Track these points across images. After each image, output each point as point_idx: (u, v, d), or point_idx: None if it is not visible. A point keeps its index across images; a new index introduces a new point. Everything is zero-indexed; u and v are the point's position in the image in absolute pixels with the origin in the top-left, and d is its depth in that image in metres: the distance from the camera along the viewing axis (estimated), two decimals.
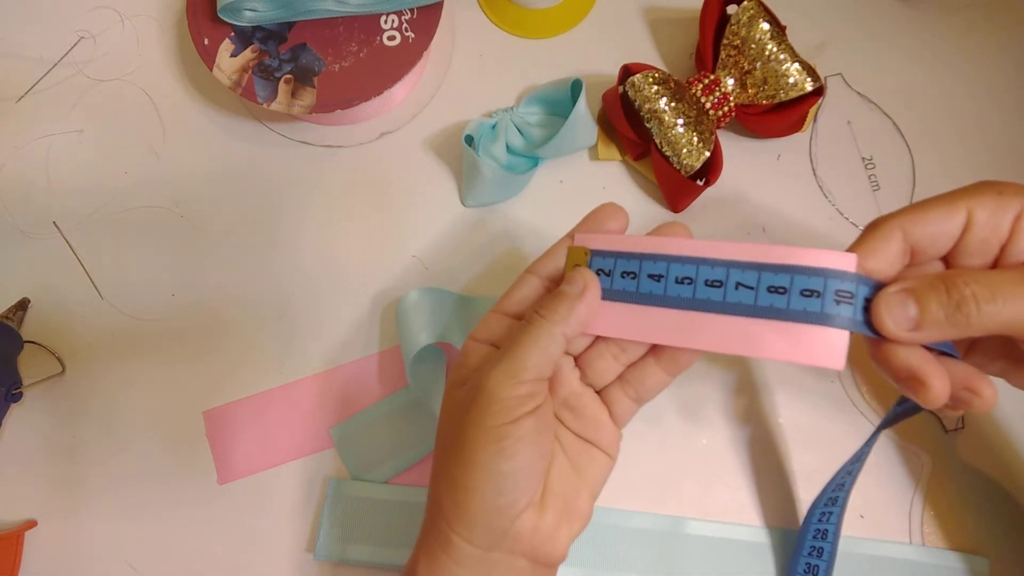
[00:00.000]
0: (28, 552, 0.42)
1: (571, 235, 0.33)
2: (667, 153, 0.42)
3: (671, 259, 0.29)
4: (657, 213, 0.46)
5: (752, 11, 0.42)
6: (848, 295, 0.26)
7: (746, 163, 0.46)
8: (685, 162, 0.42)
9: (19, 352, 0.44)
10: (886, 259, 0.28)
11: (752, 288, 0.27)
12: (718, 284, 0.28)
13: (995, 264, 0.28)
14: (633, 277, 0.30)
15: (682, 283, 0.29)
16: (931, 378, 0.26)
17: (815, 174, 0.46)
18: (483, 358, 0.31)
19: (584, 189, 0.46)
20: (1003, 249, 0.27)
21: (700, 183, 0.42)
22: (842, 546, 0.40)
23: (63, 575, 0.42)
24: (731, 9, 0.44)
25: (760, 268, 0.27)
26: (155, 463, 0.43)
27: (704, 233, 0.45)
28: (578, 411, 0.32)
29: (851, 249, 0.28)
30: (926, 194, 0.45)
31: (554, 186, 0.47)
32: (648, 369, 0.32)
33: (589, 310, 0.30)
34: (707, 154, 0.42)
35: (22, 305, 0.45)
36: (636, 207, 0.46)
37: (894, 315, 0.26)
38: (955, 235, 0.28)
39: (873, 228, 0.28)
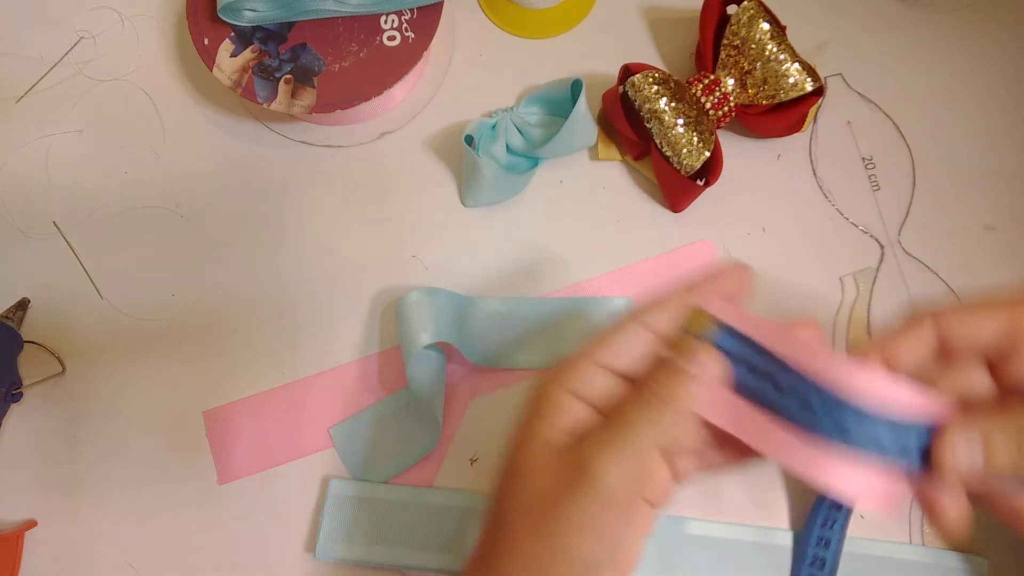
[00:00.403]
0: (28, 552, 0.42)
1: (688, 289, 0.29)
2: (667, 153, 0.42)
3: (810, 384, 0.26)
4: (657, 213, 0.46)
5: (752, 11, 0.42)
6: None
7: (746, 163, 0.46)
8: (685, 162, 0.42)
9: (19, 352, 0.44)
10: (914, 350, 0.28)
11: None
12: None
13: None
14: (767, 379, 0.27)
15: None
16: (949, 508, 0.26)
17: (815, 174, 0.46)
18: (582, 422, 0.28)
19: (584, 189, 0.46)
20: None
21: (700, 183, 0.42)
22: (843, 546, 0.40)
23: (63, 575, 0.42)
24: (731, 9, 0.44)
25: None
26: (155, 463, 0.43)
27: (705, 233, 0.45)
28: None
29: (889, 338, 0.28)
30: (927, 194, 0.45)
31: (554, 186, 0.47)
32: (725, 456, 0.29)
33: (708, 394, 0.27)
34: (707, 154, 0.42)
35: (22, 305, 0.45)
36: (636, 207, 0.46)
37: (962, 458, 0.25)
38: (997, 342, 0.27)
39: (913, 323, 0.28)
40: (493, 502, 0.29)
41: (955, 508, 0.26)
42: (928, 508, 0.27)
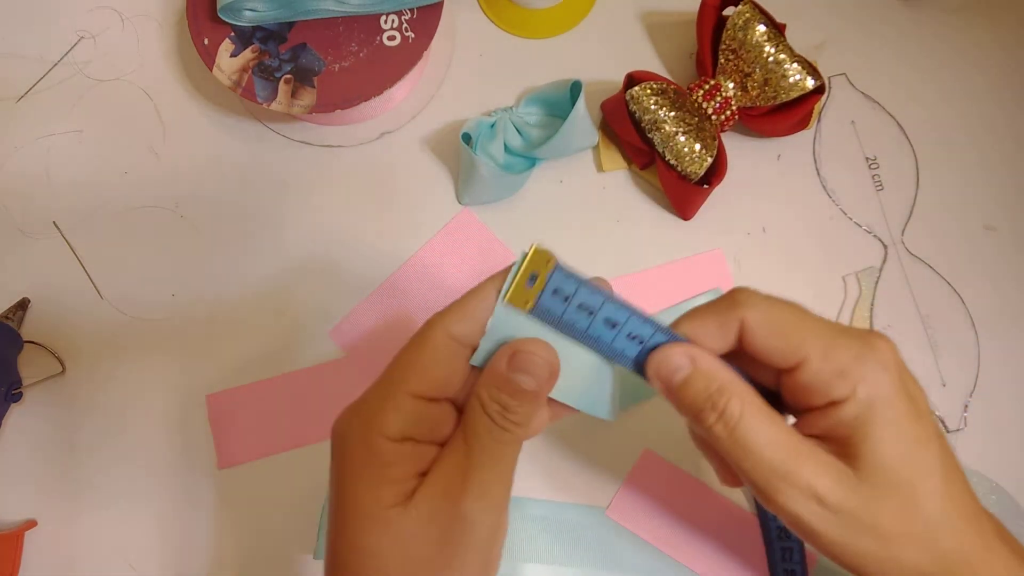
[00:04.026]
0: (28, 552, 0.42)
1: (497, 279, 0.26)
2: (671, 162, 0.42)
3: (633, 311, 0.26)
4: (658, 214, 0.46)
5: (748, 14, 0.42)
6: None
7: (749, 163, 0.46)
8: (689, 169, 0.42)
9: (19, 352, 0.44)
10: (716, 336, 0.27)
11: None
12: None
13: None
14: (589, 315, 0.26)
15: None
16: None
17: (819, 174, 0.46)
18: (416, 461, 0.25)
19: (583, 189, 0.46)
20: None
21: (704, 186, 0.42)
22: None
23: (63, 575, 0.42)
24: (729, 11, 0.43)
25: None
26: (155, 463, 0.43)
27: (707, 233, 0.45)
28: None
29: (698, 310, 0.28)
30: (929, 194, 0.45)
31: (554, 186, 0.46)
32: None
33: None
34: (710, 160, 0.42)
35: (22, 305, 0.45)
36: (636, 208, 0.46)
37: (665, 365, 0.26)
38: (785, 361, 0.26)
39: (729, 303, 0.27)
40: None
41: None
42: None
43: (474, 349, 0.26)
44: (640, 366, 0.27)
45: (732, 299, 0.27)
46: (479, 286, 0.26)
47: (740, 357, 0.27)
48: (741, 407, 0.25)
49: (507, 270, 0.26)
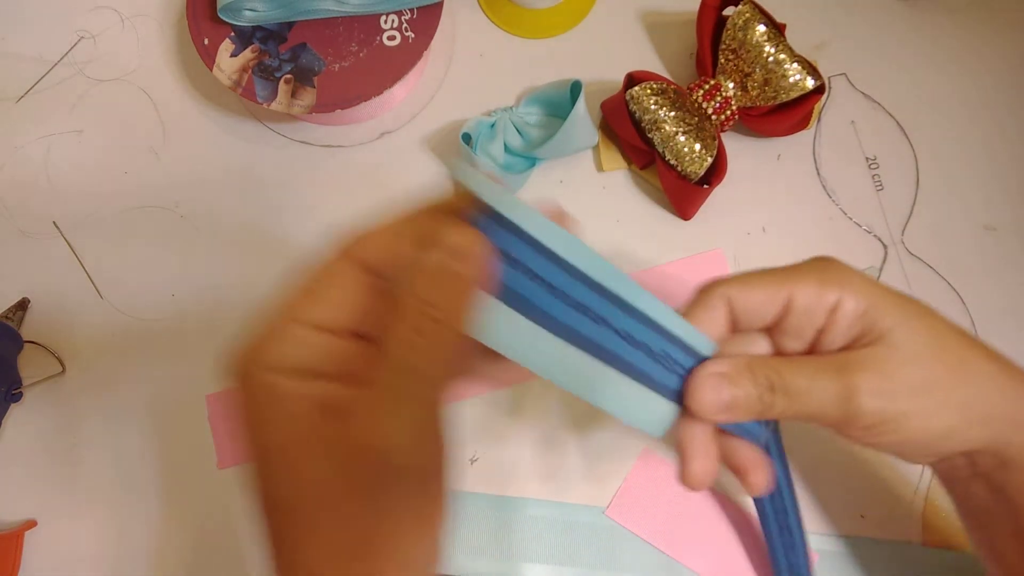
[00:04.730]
0: (28, 552, 0.42)
1: (423, 207, 0.23)
2: (671, 162, 0.42)
3: (613, 297, 0.23)
4: (658, 214, 0.46)
5: (747, 15, 0.42)
6: (681, 368, 0.26)
7: (749, 162, 0.46)
8: (689, 169, 0.42)
9: (19, 352, 0.44)
10: (712, 327, 0.28)
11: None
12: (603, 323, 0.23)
13: (812, 348, 0.28)
14: (537, 279, 0.22)
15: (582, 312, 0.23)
16: (693, 459, 0.27)
17: (819, 174, 0.46)
18: (316, 400, 0.20)
19: (583, 189, 0.46)
20: (819, 335, 0.28)
21: (704, 186, 0.42)
22: (842, 546, 0.40)
23: (63, 575, 0.42)
24: (729, 11, 0.43)
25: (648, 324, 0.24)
26: (155, 463, 0.43)
27: (706, 232, 0.45)
28: None
29: (684, 314, 0.28)
30: (929, 194, 0.45)
31: (554, 186, 0.46)
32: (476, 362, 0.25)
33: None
34: (710, 160, 0.42)
35: (22, 305, 0.45)
36: (636, 207, 0.46)
37: (709, 398, 0.25)
38: (776, 314, 0.28)
39: (703, 294, 0.28)
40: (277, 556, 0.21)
41: (702, 457, 0.26)
42: (681, 459, 0.27)
43: (381, 275, 0.22)
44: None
45: (708, 292, 0.28)
46: (393, 216, 0.23)
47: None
48: (785, 376, 0.27)
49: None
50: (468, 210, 0.22)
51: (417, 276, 0.20)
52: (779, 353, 0.29)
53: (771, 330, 0.29)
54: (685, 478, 0.27)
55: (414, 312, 0.20)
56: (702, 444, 0.27)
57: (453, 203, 0.22)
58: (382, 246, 0.22)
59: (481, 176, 0.22)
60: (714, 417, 0.26)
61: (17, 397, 0.44)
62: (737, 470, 0.29)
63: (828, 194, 0.46)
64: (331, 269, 0.22)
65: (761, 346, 0.30)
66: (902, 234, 0.45)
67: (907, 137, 0.46)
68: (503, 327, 0.22)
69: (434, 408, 0.20)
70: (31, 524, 0.43)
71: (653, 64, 0.48)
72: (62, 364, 0.45)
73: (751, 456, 0.28)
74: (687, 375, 0.26)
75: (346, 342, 0.22)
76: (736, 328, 0.29)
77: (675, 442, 0.27)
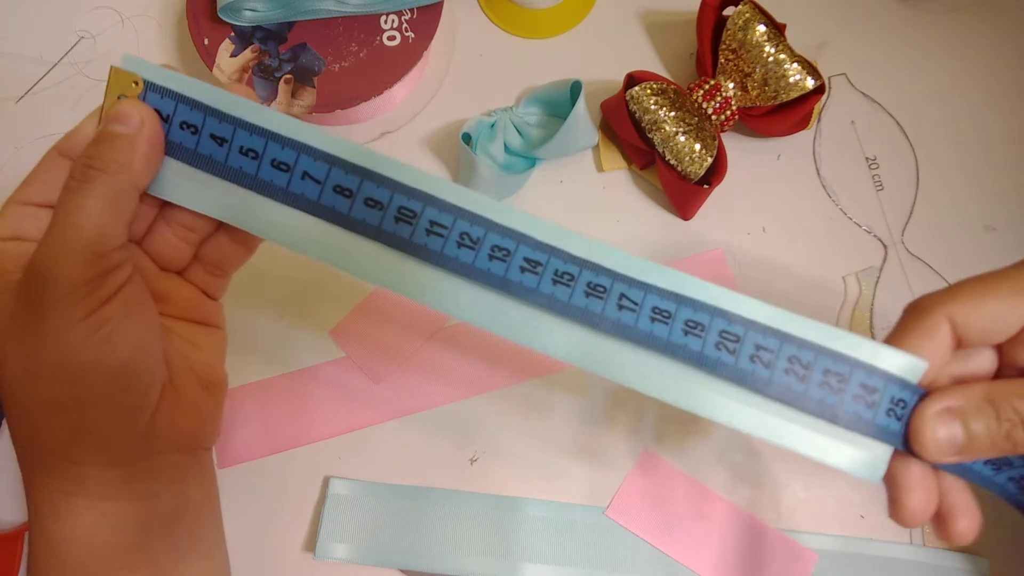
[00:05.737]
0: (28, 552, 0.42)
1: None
2: (671, 162, 0.42)
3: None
4: (658, 214, 0.46)
5: (748, 14, 0.42)
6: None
7: (749, 162, 0.46)
8: (689, 169, 0.42)
9: None
10: (935, 354, 0.24)
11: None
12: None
13: None
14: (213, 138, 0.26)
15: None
16: (910, 492, 0.24)
17: (819, 174, 0.46)
18: (20, 256, 0.26)
19: (583, 189, 0.46)
20: None
21: (704, 186, 0.42)
22: (842, 546, 0.40)
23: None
24: (729, 11, 0.43)
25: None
26: None
27: (705, 232, 0.45)
28: (169, 298, 0.30)
29: (892, 340, 0.25)
30: (929, 194, 0.45)
31: (554, 186, 0.46)
32: (223, 245, 0.30)
33: (154, 150, 0.26)
34: (710, 160, 0.42)
35: None
36: (636, 207, 0.46)
37: (939, 439, 0.23)
38: (1018, 327, 0.23)
39: (917, 315, 0.24)
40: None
41: (920, 491, 0.24)
42: (893, 491, 0.24)
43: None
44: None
45: (923, 312, 0.24)
46: (91, 115, 0.28)
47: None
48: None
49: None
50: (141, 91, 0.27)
51: (91, 145, 0.26)
52: (1011, 369, 0.25)
53: (1003, 347, 0.25)
54: (898, 514, 0.24)
55: (76, 165, 0.25)
56: (920, 477, 0.24)
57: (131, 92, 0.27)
58: (77, 135, 0.27)
59: (149, 64, 0.26)
60: (944, 460, 0.23)
61: None
62: (939, 512, 0.25)
63: (828, 194, 0.46)
64: (42, 161, 0.28)
65: (979, 362, 0.25)
66: (902, 234, 0.45)
67: (907, 137, 0.46)
68: (180, 180, 0.26)
69: (82, 232, 0.24)
70: None
71: (653, 64, 0.48)
72: None
73: (962, 500, 0.25)
74: (891, 405, 0.23)
75: (44, 211, 0.27)
76: (958, 347, 0.25)
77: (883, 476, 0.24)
